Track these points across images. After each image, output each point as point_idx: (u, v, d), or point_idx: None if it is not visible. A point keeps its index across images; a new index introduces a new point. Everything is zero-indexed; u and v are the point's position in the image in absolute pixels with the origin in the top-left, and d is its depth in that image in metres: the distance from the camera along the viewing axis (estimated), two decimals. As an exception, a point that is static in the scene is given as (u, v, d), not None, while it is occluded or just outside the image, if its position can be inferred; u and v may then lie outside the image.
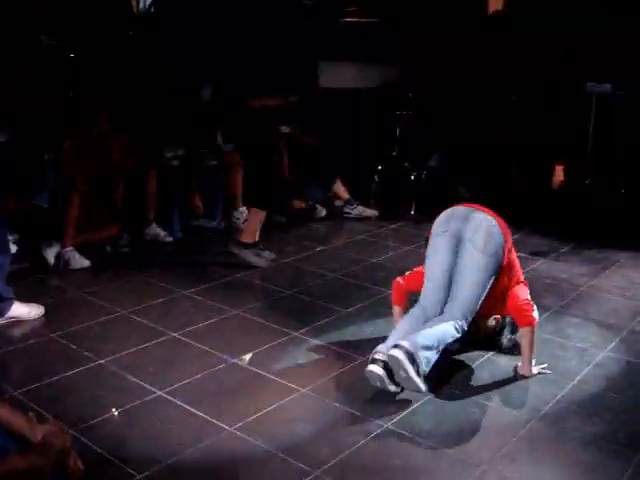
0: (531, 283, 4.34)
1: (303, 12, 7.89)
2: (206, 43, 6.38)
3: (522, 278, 4.18)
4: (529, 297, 4.03)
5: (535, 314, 3.92)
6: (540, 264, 5.81)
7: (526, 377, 3.93)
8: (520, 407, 3.68)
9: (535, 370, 3.98)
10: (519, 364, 3.98)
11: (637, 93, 7.21)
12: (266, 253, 5.64)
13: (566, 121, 7.75)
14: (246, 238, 5.59)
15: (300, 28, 7.90)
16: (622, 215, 7.03)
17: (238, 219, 6.63)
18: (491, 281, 3.96)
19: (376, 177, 7.70)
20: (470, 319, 3.93)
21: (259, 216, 5.56)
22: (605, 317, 4.78)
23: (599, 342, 4.41)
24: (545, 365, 4.05)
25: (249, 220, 5.71)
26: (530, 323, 3.90)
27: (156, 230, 6.22)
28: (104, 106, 6.00)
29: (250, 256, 5.53)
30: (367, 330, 4.52)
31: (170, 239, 6.22)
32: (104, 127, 5.89)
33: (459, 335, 3.86)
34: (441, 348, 3.76)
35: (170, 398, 3.63)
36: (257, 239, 5.62)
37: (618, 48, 7.51)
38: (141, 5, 8.06)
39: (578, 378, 3.96)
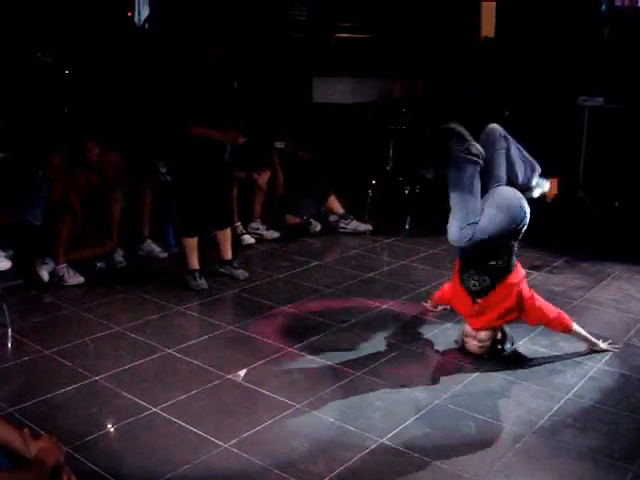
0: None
1: (296, 28, 7.96)
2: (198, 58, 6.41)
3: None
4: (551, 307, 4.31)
5: (566, 318, 4.31)
6: (535, 277, 5.82)
7: (600, 350, 4.41)
8: (515, 421, 3.67)
9: (604, 345, 4.43)
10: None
11: (629, 106, 7.27)
12: (240, 271, 5.66)
13: (559, 134, 7.80)
14: (224, 256, 5.66)
15: (293, 44, 7.97)
16: (616, 227, 7.05)
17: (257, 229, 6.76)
18: None
19: (370, 192, 7.70)
20: None
21: (188, 243, 5.55)
22: (600, 330, 4.77)
23: (594, 355, 4.41)
24: (610, 341, 4.47)
25: (220, 239, 5.71)
26: (569, 329, 4.32)
27: (151, 246, 6.22)
28: (94, 131, 5.98)
29: (190, 282, 5.50)
30: (362, 345, 4.52)
31: (165, 255, 6.22)
32: (95, 151, 5.86)
33: None
34: None
35: (165, 415, 3.62)
36: (229, 257, 5.66)
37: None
38: (136, 19, 8.11)
39: (573, 391, 3.96)
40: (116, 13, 7.66)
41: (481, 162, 4.18)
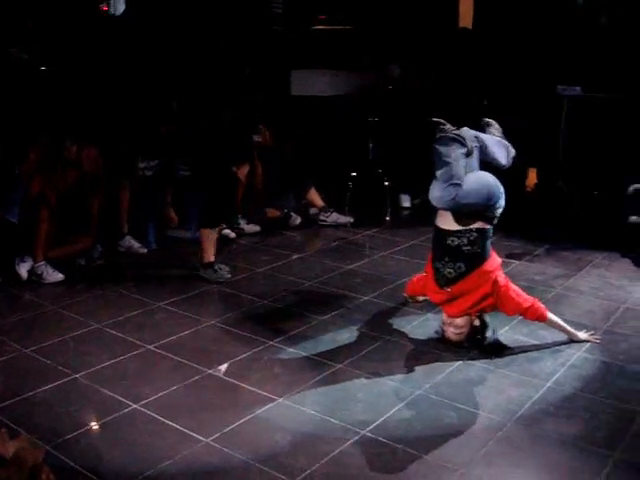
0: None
1: (273, 21, 7.93)
2: (176, 52, 6.37)
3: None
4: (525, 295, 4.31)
5: (540, 307, 4.31)
6: (515, 266, 5.85)
7: (579, 341, 4.43)
8: (496, 410, 3.68)
9: (583, 336, 4.44)
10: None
11: (608, 95, 7.31)
12: (224, 271, 5.55)
13: (538, 124, 7.82)
14: (205, 259, 5.53)
15: (271, 37, 7.94)
16: (595, 216, 7.09)
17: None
18: None
19: (350, 184, 7.69)
20: None
21: (210, 236, 5.51)
22: (579, 317, 4.81)
23: (573, 343, 4.43)
24: (592, 332, 4.49)
25: (201, 241, 5.59)
26: (543, 318, 4.32)
27: (130, 242, 6.18)
28: (71, 127, 5.92)
29: (211, 275, 5.47)
30: (343, 337, 4.52)
31: (144, 251, 6.19)
32: (72, 149, 5.80)
33: None
34: None
35: (146, 411, 3.60)
36: (212, 259, 5.53)
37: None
38: (111, 11, 8.05)
39: (553, 379, 3.98)
40: (91, 7, 7.59)
41: (467, 146, 4.23)
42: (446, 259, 4.22)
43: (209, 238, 5.49)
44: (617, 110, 7.35)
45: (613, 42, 7.63)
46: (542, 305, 4.33)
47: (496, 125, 4.73)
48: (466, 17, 9.34)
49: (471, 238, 4.15)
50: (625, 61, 7.38)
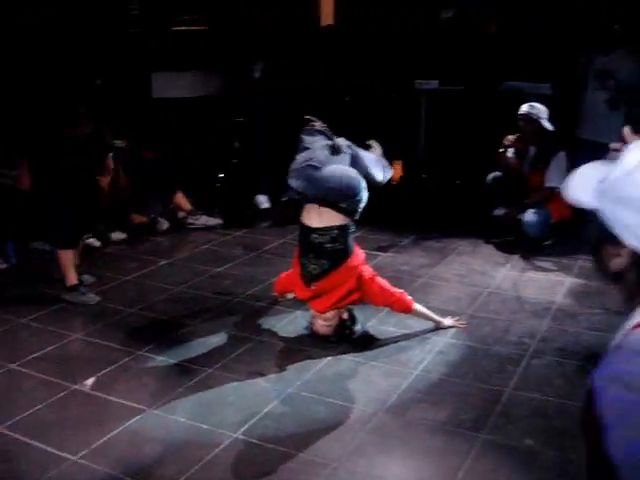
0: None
1: (130, 23, 7.76)
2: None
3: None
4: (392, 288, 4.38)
5: (406, 299, 4.38)
6: (382, 258, 5.95)
7: (445, 327, 4.56)
8: (366, 401, 3.74)
9: (449, 322, 4.59)
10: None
11: (462, 88, 7.55)
12: (90, 295, 5.21)
13: (399, 118, 8.01)
14: (67, 282, 5.20)
15: (129, 39, 7.77)
16: (458, 205, 7.31)
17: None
18: None
19: (218, 185, 7.63)
20: None
21: (68, 256, 5.19)
22: (445, 304, 4.95)
23: (440, 330, 4.55)
24: (457, 318, 4.63)
25: (60, 263, 5.22)
26: (409, 309, 4.40)
27: None
28: None
29: (77, 298, 5.16)
30: (213, 341, 4.47)
31: (4, 266, 5.92)
32: None
33: None
34: None
35: (10, 433, 3.46)
36: (75, 281, 5.20)
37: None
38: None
39: (421, 367, 4.08)
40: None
41: (333, 139, 4.33)
42: (310, 255, 4.24)
43: (67, 259, 5.19)
44: (471, 102, 7.62)
45: (463, 37, 7.89)
46: (408, 297, 4.42)
47: (378, 148, 4.83)
48: (328, 15, 9.47)
49: (333, 235, 4.19)
50: (477, 55, 7.64)
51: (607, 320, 4.68)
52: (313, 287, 4.24)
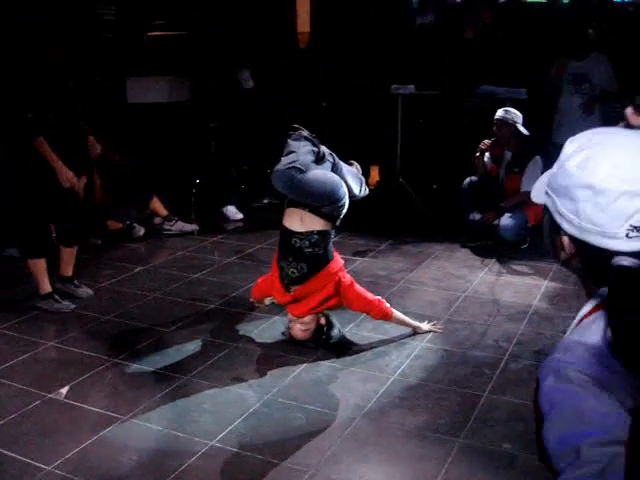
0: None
1: (104, 28, 7.71)
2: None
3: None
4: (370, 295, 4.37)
5: (384, 306, 4.37)
6: (359, 264, 5.95)
7: (423, 332, 4.57)
8: (344, 407, 3.72)
9: (426, 327, 4.58)
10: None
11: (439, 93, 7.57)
12: (65, 303, 5.13)
13: (376, 123, 8.02)
14: (41, 290, 5.13)
15: (103, 44, 7.72)
16: (436, 209, 7.32)
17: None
18: None
19: (194, 190, 7.58)
20: None
21: (37, 265, 5.10)
22: (422, 309, 4.96)
23: (417, 335, 4.54)
24: (434, 323, 4.63)
25: (31, 272, 5.14)
26: (389, 316, 4.39)
27: None
28: None
29: (51, 306, 5.07)
30: (189, 348, 4.43)
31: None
32: None
33: None
34: None
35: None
36: (48, 289, 5.12)
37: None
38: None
39: (398, 372, 4.08)
40: None
41: (318, 146, 4.34)
42: (290, 259, 4.22)
43: (37, 268, 5.11)
44: (447, 106, 7.65)
45: (440, 42, 7.92)
46: (386, 304, 4.41)
47: (357, 165, 4.84)
48: (304, 21, 9.48)
49: (312, 240, 4.18)
50: (454, 60, 7.67)
51: None
52: (292, 291, 4.22)
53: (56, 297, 5.12)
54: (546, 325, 4.74)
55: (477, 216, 6.52)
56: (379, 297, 4.41)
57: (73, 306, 5.11)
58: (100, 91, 7.38)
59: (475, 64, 7.37)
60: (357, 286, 4.32)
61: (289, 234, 4.23)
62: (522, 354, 4.33)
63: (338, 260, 4.34)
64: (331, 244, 4.29)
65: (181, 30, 8.48)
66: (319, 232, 4.19)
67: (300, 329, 4.29)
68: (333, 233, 4.32)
